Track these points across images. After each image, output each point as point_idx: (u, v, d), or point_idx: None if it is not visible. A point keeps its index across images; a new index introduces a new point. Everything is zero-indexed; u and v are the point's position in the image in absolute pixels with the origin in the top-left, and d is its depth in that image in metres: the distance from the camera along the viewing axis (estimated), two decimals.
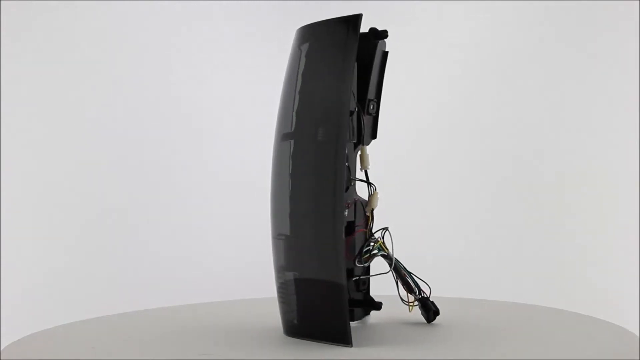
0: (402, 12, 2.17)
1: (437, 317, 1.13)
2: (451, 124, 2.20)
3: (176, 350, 1.02)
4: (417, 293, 1.12)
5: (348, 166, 1.07)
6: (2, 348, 1.04)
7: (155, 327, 1.18)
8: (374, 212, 1.10)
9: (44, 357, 0.99)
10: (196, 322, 1.21)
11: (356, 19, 1.01)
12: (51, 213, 2.05)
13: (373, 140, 1.13)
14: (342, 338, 0.98)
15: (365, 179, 1.10)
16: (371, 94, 1.12)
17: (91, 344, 1.07)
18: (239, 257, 2.11)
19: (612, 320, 1.16)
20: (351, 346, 0.98)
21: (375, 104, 1.12)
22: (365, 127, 1.11)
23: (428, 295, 1.13)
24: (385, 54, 1.13)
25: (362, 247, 1.07)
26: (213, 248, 2.13)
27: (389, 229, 1.08)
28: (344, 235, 0.98)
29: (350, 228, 1.07)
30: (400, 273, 1.11)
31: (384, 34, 1.08)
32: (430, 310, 1.13)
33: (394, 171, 2.02)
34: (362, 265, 1.08)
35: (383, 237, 1.08)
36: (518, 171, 2.16)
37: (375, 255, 1.08)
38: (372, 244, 1.08)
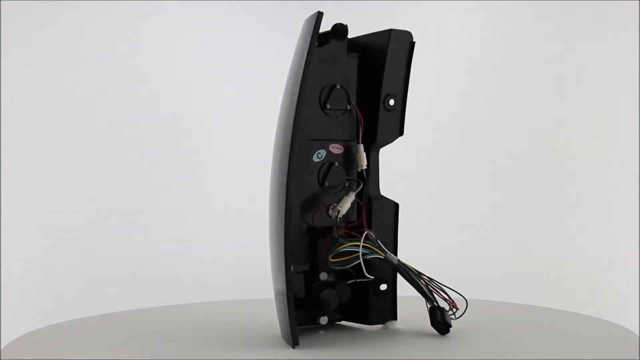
0: (403, 11, 2.17)
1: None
2: (450, 123, 2.20)
3: (173, 348, 1.02)
4: (432, 301, 1.04)
5: (339, 166, 1.06)
6: (2, 347, 1.04)
7: (155, 326, 1.18)
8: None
9: (43, 356, 0.99)
10: (196, 321, 1.21)
11: (313, 17, 1.00)
12: (51, 213, 2.05)
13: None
14: (288, 339, 0.99)
15: (356, 179, 1.07)
16: (390, 89, 1.08)
17: (93, 342, 1.07)
18: (241, 258, 2.11)
19: (612, 320, 1.16)
20: (293, 348, 0.98)
21: (395, 98, 1.08)
22: (377, 124, 1.08)
23: (448, 307, 1.05)
24: (411, 45, 1.09)
25: (330, 250, 1.03)
26: (215, 248, 2.13)
27: (370, 233, 1.04)
28: (283, 237, 0.96)
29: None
30: (409, 278, 1.05)
31: (342, 30, 1.05)
32: (435, 322, 1.05)
33: (393, 171, 2.02)
34: (337, 268, 1.04)
35: (377, 241, 1.04)
36: (518, 171, 2.16)
37: (350, 258, 1.02)
38: (340, 246, 1.03)
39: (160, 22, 2.15)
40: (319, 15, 1.00)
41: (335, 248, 1.02)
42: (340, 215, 1.04)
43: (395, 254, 1.08)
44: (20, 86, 2.02)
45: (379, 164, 1.11)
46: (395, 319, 1.11)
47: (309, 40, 0.98)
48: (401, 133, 1.10)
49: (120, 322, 1.23)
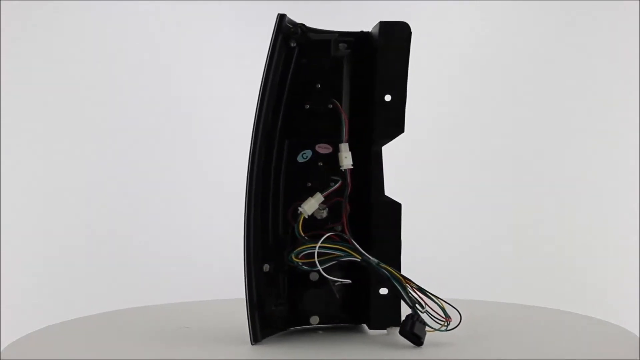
0: (400, 10, 2.17)
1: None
2: (450, 123, 2.20)
3: (174, 347, 1.02)
4: (413, 309, 0.99)
5: (323, 166, 1.05)
6: (2, 348, 1.04)
7: (155, 324, 1.18)
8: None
9: (44, 357, 0.99)
10: (194, 319, 1.21)
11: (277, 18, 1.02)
12: (51, 213, 2.05)
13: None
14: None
15: (339, 179, 1.05)
16: (385, 83, 1.04)
17: (93, 342, 1.07)
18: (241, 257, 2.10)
19: (612, 320, 1.16)
20: (252, 344, 1.01)
21: (392, 93, 1.04)
22: (375, 121, 1.05)
23: (443, 318, 1.00)
24: (408, 37, 1.03)
25: (292, 250, 1.03)
26: (216, 247, 2.13)
27: (334, 235, 1.02)
28: (245, 236, 1.00)
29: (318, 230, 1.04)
30: (388, 282, 1.01)
31: (293, 32, 1.03)
32: (404, 331, 0.99)
33: (391, 171, 2.02)
34: (304, 269, 1.03)
35: (353, 243, 1.02)
36: (517, 171, 2.16)
37: (319, 260, 1.01)
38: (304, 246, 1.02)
39: (161, 22, 2.16)
40: (278, 17, 1.01)
41: (298, 248, 1.02)
42: (306, 216, 1.03)
43: (399, 256, 1.06)
44: (19, 86, 2.03)
45: (382, 163, 1.08)
46: (399, 325, 1.06)
47: (270, 42, 1.01)
48: (401, 130, 1.05)
49: (121, 321, 1.23)
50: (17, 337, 1.10)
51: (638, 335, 1.06)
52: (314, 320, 1.08)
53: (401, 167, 2.09)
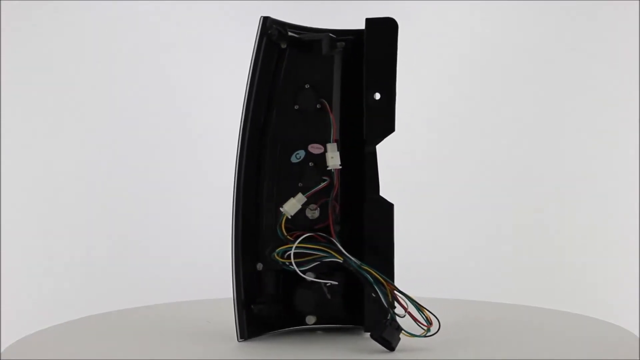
0: (400, 10, 2.17)
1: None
2: (450, 123, 2.20)
3: (174, 347, 1.02)
4: (388, 312, 0.97)
5: (314, 166, 1.05)
6: (2, 349, 1.04)
7: (155, 323, 1.19)
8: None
9: (44, 357, 0.99)
10: (192, 319, 1.22)
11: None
12: (51, 213, 2.05)
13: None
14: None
15: (327, 179, 1.05)
16: (374, 81, 1.03)
17: (93, 342, 1.07)
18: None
19: (612, 320, 1.16)
20: (238, 341, 1.02)
21: (381, 91, 1.03)
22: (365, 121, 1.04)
23: (425, 324, 0.98)
24: (394, 32, 1.03)
25: (275, 249, 1.03)
26: (214, 248, 2.13)
27: (317, 235, 1.03)
28: (234, 234, 1.01)
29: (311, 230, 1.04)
30: (367, 285, 0.99)
31: (269, 33, 1.03)
32: (375, 334, 0.97)
33: (389, 171, 2.02)
34: (289, 268, 1.02)
35: (335, 244, 1.02)
36: (517, 171, 2.16)
37: (289, 260, 1.01)
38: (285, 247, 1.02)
39: (161, 22, 2.16)
40: (260, 20, 1.02)
41: (281, 248, 1.03)
42: (288, 216, 1.03)
43: (392, 256, 1.05)
44: (20, 86, 2.03)
45: (377, 163, 1.07)
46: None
47: (254, 44, 1.02)
48: (392, 129, 1.04)
49: (121, 321, 1.23)
50: (18, 337, 1.10)
51: (638, 335, 1.06)
52: (310, 320, 1.08)
53: (400, 167, 2.10)
